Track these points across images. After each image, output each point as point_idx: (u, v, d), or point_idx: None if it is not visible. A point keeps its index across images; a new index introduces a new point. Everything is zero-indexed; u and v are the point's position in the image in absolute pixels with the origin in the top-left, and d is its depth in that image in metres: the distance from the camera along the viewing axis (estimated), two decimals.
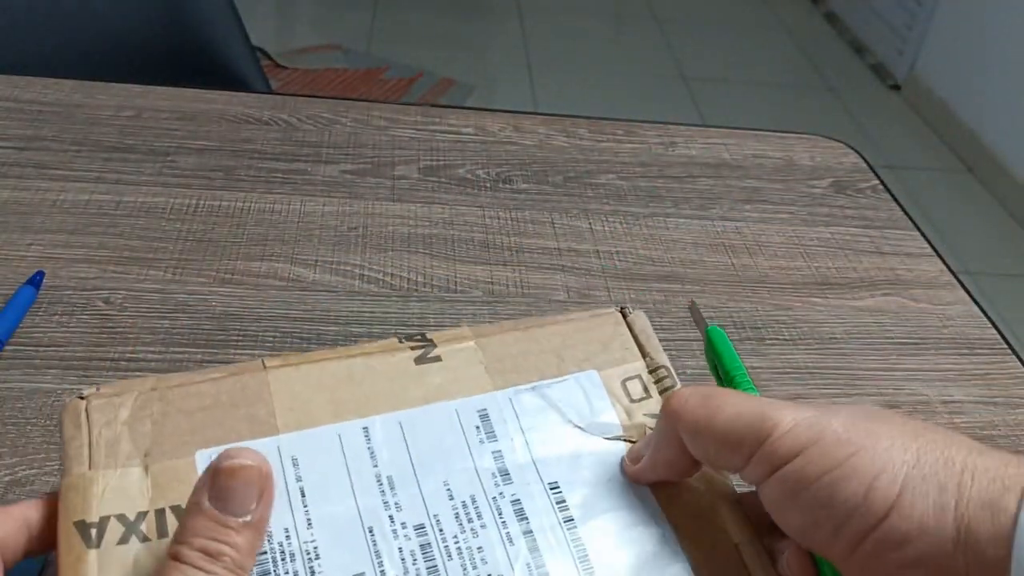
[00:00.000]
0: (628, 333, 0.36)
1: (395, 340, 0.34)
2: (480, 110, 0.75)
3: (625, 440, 0.33)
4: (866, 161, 0.77)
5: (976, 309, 0.61)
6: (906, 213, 0.70)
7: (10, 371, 0.45)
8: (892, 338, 0.57)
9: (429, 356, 0.34)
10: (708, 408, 0.29)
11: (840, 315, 0.58)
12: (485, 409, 0.33)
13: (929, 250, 0.66)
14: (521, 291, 0.56)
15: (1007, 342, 0.58)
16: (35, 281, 0.50)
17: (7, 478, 0.40)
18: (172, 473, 0.29)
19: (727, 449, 0.29)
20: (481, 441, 0.32)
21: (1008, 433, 0.51)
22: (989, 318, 0.60)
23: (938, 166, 2.27)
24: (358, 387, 0.32)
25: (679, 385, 0.35)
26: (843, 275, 0.62)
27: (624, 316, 0.37)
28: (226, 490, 0.25)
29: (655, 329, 0.37)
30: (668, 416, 0.30)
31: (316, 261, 0.56)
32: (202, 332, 0.49)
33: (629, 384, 0.35)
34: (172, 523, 0.28)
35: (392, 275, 0.56)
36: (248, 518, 0.26)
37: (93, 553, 0.27)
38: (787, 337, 0.56)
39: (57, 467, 0.41)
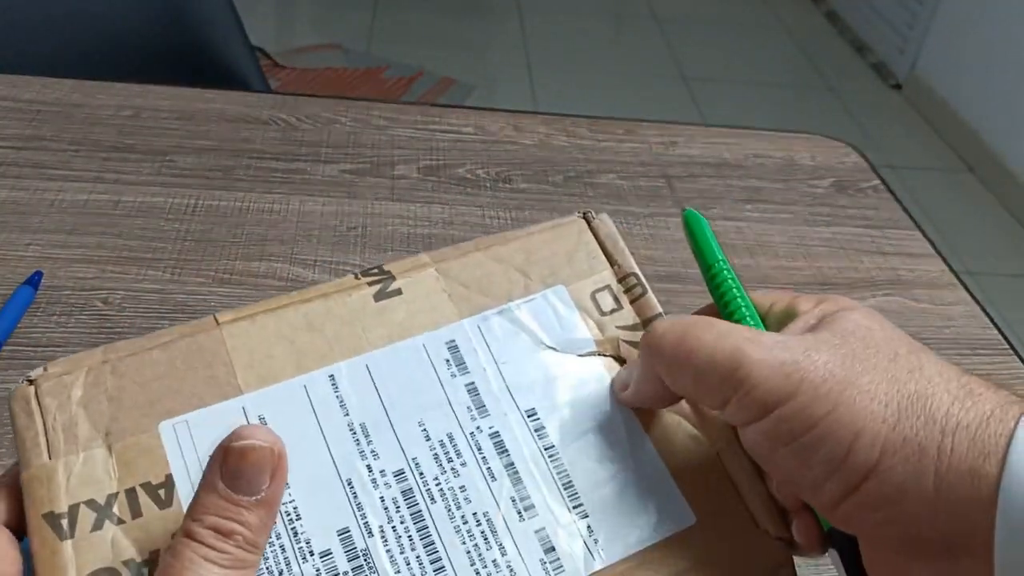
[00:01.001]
0: (593, 241, 0.35)
1: (351, 277, 0.33)
2: (480, 109, 0.75)
3: (599, 355, 0.32)
4: (867, 161, 0.76)
5: (978, 309, 0.61)
6: (907, 213, 0.70)
7: (8, 371, 0.45)
8: None
9: (389, 290, 0.32)
10: (683, 348, 0.28)
11: None
12: (454, 340, 0.32)
13: (931, 250, 0.66)
14: None
15: (1009, 343, 0.58)
16: (33, 281, 0.50)
17: None
18: (137, 449, 0.28)
19: (702, 393, 0.28)
20: (453, 375, 0.31)
21: None
22: (991, 318, 0.60)
23: (939, 166, 2.27)
24: (318, 334, 0.31)
25: (649, 292, 0.34)
26: (844, 275, 0.62)
27: (588, 223, 0.35)
28: (237, 470, 0.25)
29: None
30: (645, 352, 0.30)
31: (315, 261, 0.56)
32: None
33: (599, 296, 0.34)
34: (145, 502, 0.27)
35: None
36: (260, 496, 0.25)
37: (67, 544, 0.26)
38: None
39: None
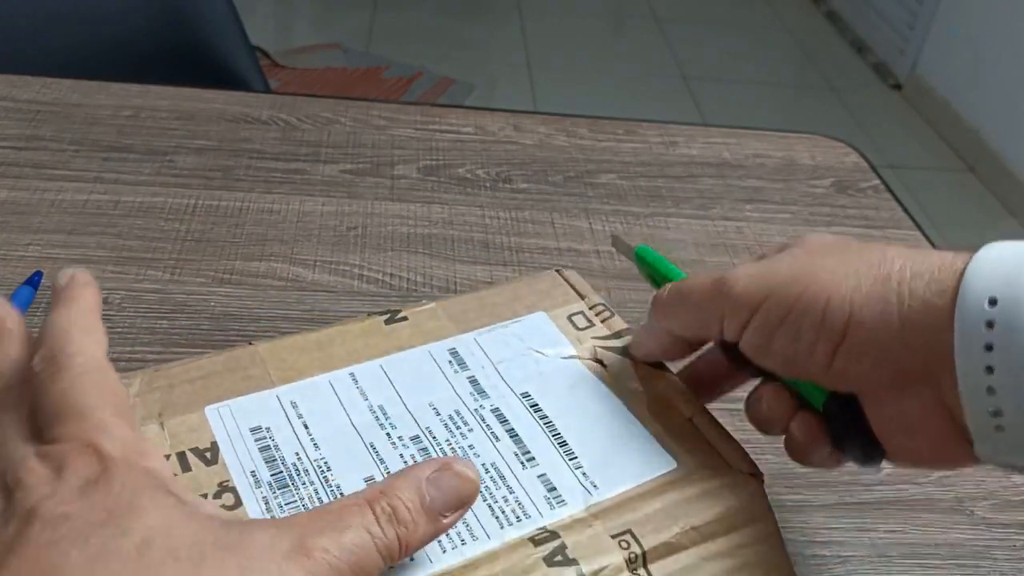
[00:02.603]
0: (566, 284, 0.43)
1: (365, 316, 0.40)
2: (480, 109, 0.75)
3: (579, 359, 0.38)
4: (867, 161, 0.76)
5: None
6: (907, 213, 0.70)
7: None
8: None
9: (396, 319, 0.39)
10: (680, 292, 0.35)
11: None
12: (455, 347, 0.38)
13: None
14: None
15: None
16: (33, 281, 0.50)
17: None
18: (186, 426, 0.33)
19: (702, 320, 0.34)
20: (456, 371, 0.37)
21: None
22: None
23: (940, 166, 2.27)
24: (339, 347, 0.37)
25: (616, 315, 0.41)
26: None
27: (560, 274, 0.43)
28: (446, 485, 0.27)
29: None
30: (654, 308, 0.37)
31: (315, 261, 0.56)
32: (201, 332, 0.49)
33: (575, 318, 0.40)
34: (195, 462, 0.31)
35: (391, 275, 0.55)
36: (442, 520, 0.27)
37: None
38: None
39: None
